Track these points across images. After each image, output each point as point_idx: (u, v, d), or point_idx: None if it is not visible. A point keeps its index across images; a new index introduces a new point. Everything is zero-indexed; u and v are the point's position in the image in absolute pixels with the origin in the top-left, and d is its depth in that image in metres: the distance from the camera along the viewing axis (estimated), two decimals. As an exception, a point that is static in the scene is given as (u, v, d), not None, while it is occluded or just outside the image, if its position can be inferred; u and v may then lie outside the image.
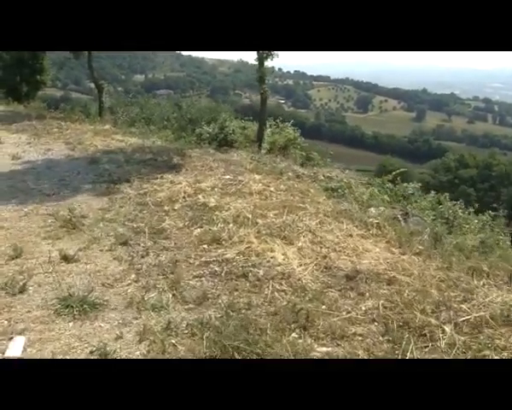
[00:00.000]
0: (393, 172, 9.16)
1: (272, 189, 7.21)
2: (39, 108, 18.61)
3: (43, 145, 10.13)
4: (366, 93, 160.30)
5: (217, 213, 5.94)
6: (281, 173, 8.29)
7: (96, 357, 3.13)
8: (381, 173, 11.23)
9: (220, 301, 3.96)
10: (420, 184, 9.59)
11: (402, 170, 9.34)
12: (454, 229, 7.27)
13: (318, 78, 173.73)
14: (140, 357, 3.19)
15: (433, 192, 9.56)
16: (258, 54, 11.27)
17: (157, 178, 7.43)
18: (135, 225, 5.55)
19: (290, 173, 8.34)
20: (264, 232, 5.37)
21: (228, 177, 7.60)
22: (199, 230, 5.46)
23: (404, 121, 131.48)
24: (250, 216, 5.77)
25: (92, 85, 23.55)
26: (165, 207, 6.18)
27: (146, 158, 8.55)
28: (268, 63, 11.53)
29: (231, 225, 5.52)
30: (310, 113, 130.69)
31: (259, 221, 5.66)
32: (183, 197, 6.59)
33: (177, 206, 6.25)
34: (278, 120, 13.22)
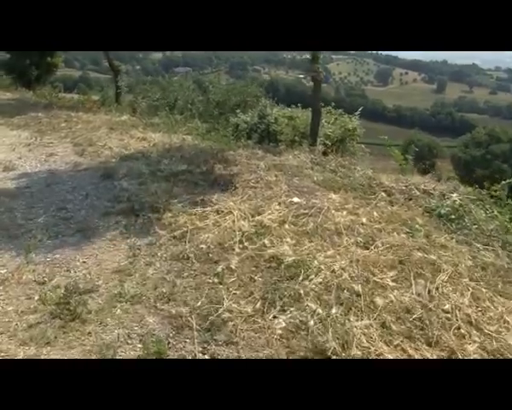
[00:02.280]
0: (504, 182, 6.68)
1: (364, 220, 4.94)
2: (50, 94, 16.49)
3: (45, 148, 7.96)
4: (386, 66, 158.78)
5: (301, 277, 3.72)
6: (364, 189, 6.00)
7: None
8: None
9: None
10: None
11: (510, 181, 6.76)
12: None
13: (337, 51, 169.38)
14: None
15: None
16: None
17: (197, 204, 5.20)
18: (173, 311, 3.35)
19: (378, 188, 6.03)
20: (394, 328, 3.13)
21: (296, 200, 5.34)
22: (282, 321, 3.24)
23: (425, 93, 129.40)
24: (359, 289, 3.53)
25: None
26: (217, 266, 3.96)
27: (178, 169, 6.29)
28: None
29: (334, 309, 3.29)
30: (329, 87, 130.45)
31: (378, 301, 3.42)
32: (241, 241, 4.36)
33: (234, 261, 4.02)
34: (331, 107, 10.86)
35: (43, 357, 2.89)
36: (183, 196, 5.45)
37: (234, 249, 4.23)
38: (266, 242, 4.33)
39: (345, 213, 5.08)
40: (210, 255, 4.14)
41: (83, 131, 9.14)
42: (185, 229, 4.59)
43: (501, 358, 3.04)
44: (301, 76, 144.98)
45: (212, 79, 23.59)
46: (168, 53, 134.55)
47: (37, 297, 3.52)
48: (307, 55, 10.00)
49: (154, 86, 26.43)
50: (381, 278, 3.74)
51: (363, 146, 10.75)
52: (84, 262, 4.05)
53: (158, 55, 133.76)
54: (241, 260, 4.07)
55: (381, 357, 2.92)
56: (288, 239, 4.39)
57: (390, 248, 4.28)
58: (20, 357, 2.88)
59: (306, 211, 5.00)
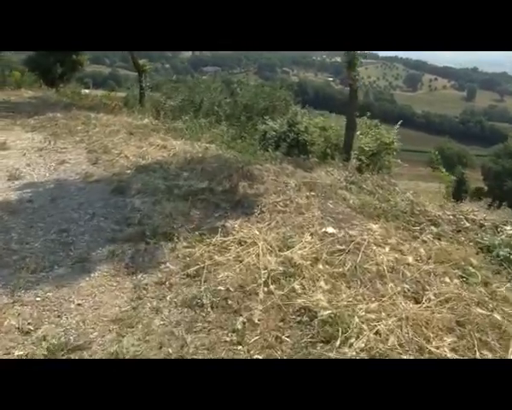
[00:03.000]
0: None
1: (411, 259, 4.20)
2: (72, 92, 16.09)
3: (57, 153, 7.41)
4: (415, 71, 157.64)
5: (338, 341, 3.00)
6: (407, 217, 5.24)
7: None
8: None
9: None
10: None
11: None
12: None
13: (367, 55, 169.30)
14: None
15: None
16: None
17: (217, 231, 4.52)
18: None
19: (422, 217, 5.25)
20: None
21: (331, 230, 4.61)
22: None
23: (455, 100, 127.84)
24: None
25: (141, 62, 20.91)
26: (237, 318, 3.28)
27: (198, 186, 5.62)
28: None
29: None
30: (358, 91, 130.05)
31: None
32: (266, 284, 3.67)
33: (257, 312, 3.33)
34: (366, 117, 10.07)
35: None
36: (202, 221, 4.79)
37: (257, 294, 3.54)
38: (296, 286, 3.63)
39: (387, 249, 4.34)
40: (229, 302, 3.45)
41: (100, 135, 8.57)
42: (201, 264, 3.91)
43: (501, 358, 2.98)
44: (330, 79, 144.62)
45: (241, 80, 22.93)
46: (197, 52, 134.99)
47: (16, 353, 2.89)
48: (337, 59, 9.29)
49: (181, 86, 25.94)
50: (438, 347, 3.00)
51: (399, 160, 9.93)
52: (79, 305, 3.40)
53: (187, 53, 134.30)
54: (266, 309, 3.37)
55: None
56: (322, 283, 3.68)
57: (444, 301, 3.53)
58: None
59: (343, 246, 4.27)
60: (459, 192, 20.77)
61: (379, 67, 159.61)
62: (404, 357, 2.91)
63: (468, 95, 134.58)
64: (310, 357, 2.90)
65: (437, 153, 12.77)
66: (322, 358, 2.89)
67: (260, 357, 2.92)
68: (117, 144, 7.80)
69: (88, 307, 3.39)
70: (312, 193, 5.72)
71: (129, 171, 6.46)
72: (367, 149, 8.94)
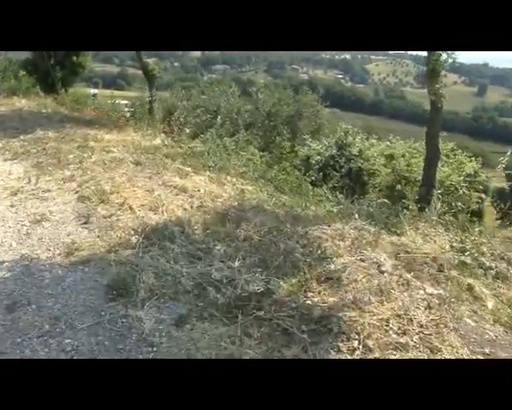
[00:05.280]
0: None
1: None
2: (73, 101, 14.02)
3: (36, 202, 5.29)
4: (425, 67, 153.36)
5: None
6: None
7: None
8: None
9: None
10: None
11: None
12: None
13: (376, 52, 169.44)
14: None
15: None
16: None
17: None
18: None
19: None
20: None
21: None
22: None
23: (465, 96, 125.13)
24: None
25: (150, 60, 18.81)
26: None
27: (249, 289, 3.42)
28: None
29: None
30: (368, 88, 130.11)
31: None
32: None
33: None
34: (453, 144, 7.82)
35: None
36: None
37: None
38: None
39: None
40: None
41: (97, 167, 6.45)
42: None
43: (501, 358, 2.86)
44: (340, 76, 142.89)
45: (259, 84, 20.97)
46: (207, 51, 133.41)
47: None
48: (346, 56, 7.17)
49: (192, 86, 23.67)
50: None
51: (483, 195, 7.68)
52: None
53: (196, 53, 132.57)
54: None
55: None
56: None
57: None
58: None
59: None
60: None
61: (389, 64, 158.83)
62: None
63: (479, 91, 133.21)
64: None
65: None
66: (323, 358, 2.74)
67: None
68: (119, 185, 5.65)
69: None
70: (431, 290, 3.53)
71: (134, 239, 4.30)
72: (449, 183, 6.70)
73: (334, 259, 4.00)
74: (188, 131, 11.18)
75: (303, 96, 18.00)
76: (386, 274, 3.82)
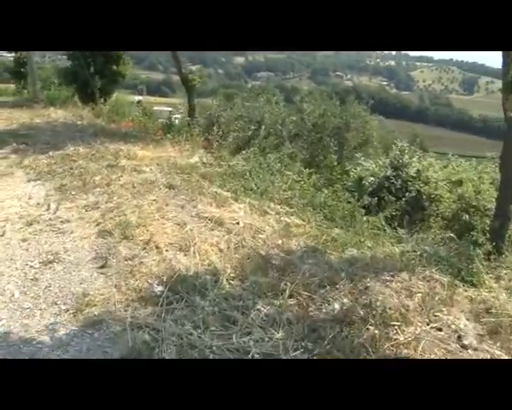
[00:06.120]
0: None
1: None
2: (111, 110, 13.58)
3: (52, 236, 4.62)
4: (471, 74, 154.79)
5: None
6: None
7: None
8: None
9: None
10: None
11: None
12: None
13: (421, 58, 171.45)
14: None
15: None
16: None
17: None
18: None
19: None
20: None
21: None
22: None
23: None
24: None
25: (194, 68, 18.32)
26: None
27: None
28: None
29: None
30: (412, 95, 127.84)
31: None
32: None
33: None
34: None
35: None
36: None
37: None
38: None
39: None
40: None
41: (125, 192, 5.76)
42: None
43: (501, 358, 2.84)
44: (384, 83, 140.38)
45: (303, 91, 20.14)
46: (250, 58, 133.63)
47: None
48: (391, 62, 6.14)
49: (237, 95, 22.87)
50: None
51: None
52: None
53: (240, 59, 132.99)
54: None
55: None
56: None
57: None
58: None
59: None
60: None
61: (434, 70, 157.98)
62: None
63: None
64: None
65: None
66: (323, 358, 2.70)
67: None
68: (147, 216, 4.91)
69: None
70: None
71: (158, 290, 3.53)
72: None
73: (403, 326, 3.13)
74: (229, 143, 10.45)
75: (350, 106, 16.96)
76: (470, 350, 2.93)
